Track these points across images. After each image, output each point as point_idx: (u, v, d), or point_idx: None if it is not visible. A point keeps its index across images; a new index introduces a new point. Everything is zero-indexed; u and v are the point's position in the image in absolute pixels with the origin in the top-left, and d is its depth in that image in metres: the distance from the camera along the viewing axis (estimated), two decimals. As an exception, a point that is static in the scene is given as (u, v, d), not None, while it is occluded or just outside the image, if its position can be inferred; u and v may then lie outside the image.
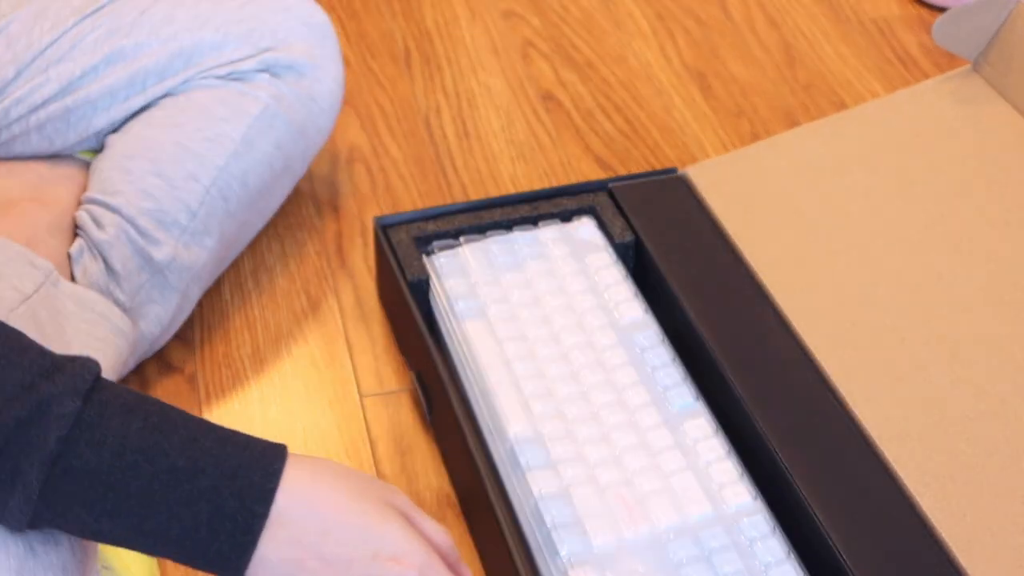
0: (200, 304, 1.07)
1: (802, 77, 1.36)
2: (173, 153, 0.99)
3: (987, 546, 0.79)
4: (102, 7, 1.02)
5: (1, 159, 1.04)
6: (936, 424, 0.86)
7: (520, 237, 1.03)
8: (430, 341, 0.95)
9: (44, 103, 1.00)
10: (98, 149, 1.04)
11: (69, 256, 0.95)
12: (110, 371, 0.91)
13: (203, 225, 0.99)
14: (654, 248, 1.02)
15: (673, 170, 1.10)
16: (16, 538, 0.68)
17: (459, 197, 1.21)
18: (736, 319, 0.96)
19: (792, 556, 0.82)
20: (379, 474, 0.97)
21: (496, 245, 1.02)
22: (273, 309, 1.09)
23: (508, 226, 1.04)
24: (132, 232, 0.96)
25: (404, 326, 1.02)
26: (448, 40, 1.40)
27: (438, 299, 0.99)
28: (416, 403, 1.01)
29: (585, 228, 1.04)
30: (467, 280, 0.99)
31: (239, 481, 0.68)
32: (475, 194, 1.21)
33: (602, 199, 1.06)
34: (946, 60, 1.37)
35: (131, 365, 0.99)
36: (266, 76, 1.04)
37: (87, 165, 1.04)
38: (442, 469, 0.97)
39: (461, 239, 1.03)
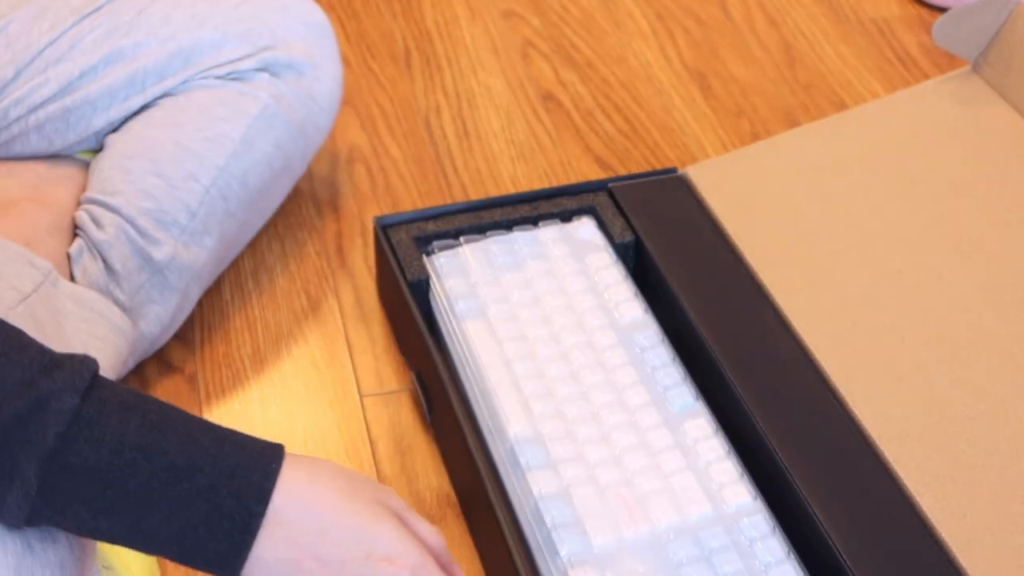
0: (200, 304, 1.07)
1: (802, 77, 1.36)
2: (173, 153, 0.99)
3: (987, 546, 0.79)
4: (101, 7, 1.02)
5: (0, 159, 1.04)
6: (936, 424, 0.86)
7: (520, 237, 1.03)
8: (430, 341, 0.95)
9: (43, 103, 1.00)
10: (98, 149, 1.04)
11: (68, 256, 0.95)
12: (110, 371, 0.91)
13: (203, 225, 0.99)
14: (654, 248, 1.02)
15: (673, 170, 1.10)
16: (14, 536, 0.68)
17: (459, 197, 1.21)
18: (736, 319, 0.96)
19: (792, 556, 0.82)
20: (379, 474, 0.97)
21: (496, 245, 1.02)
22: (273, 309, 1.09)
23: (508, 226, 1.04)
24: (132, 232, 0.96)
25: (404, 326, 1.02)
26: (448, 40, 1.40)
27: (438, 299, 0.99)
28: (416, 403, 1.01)
29: (585, 228, 1.04)
30: (467, 280, 0.99)
31: (237, 480, 0.68)
32: (475, 194, 1.21)
33: (602, 199, 1.06)
34: (946, 60, 1.37)
35: (131, 365, 0.99)
36: (265, 75, 1.04)
37: (86, 165, 1.04)
38: (442, 469, 0.97)
39: (461, 239, 1.03)
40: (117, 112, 1.02)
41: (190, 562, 0.69)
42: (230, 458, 0.69)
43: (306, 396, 1.03)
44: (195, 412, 1.00)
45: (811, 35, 1.42)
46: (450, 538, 0.93)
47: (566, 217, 1.06)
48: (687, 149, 1.27)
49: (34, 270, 0.89)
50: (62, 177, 1.03)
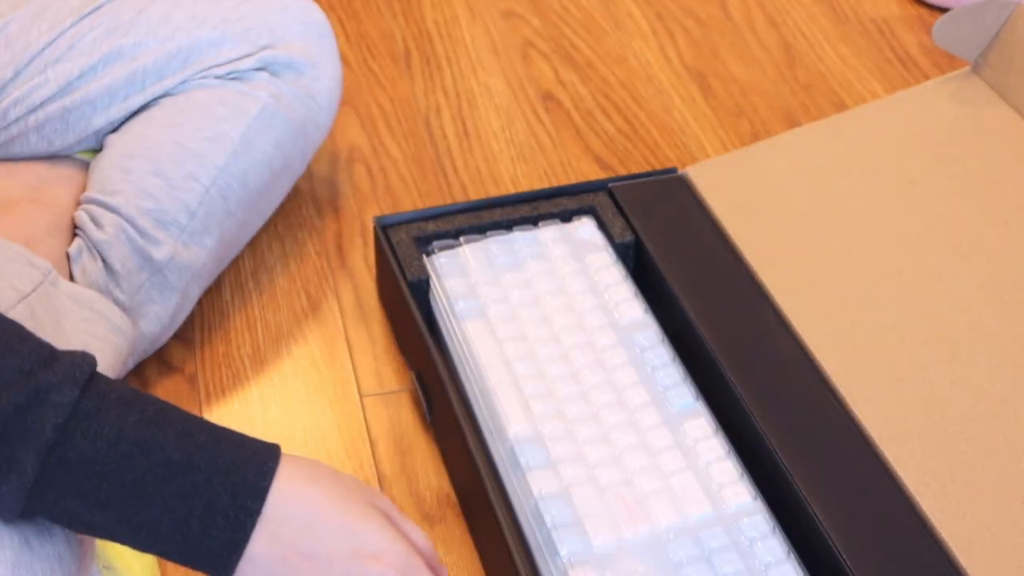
0: (200, 304, 1.07)
1: (802, 77, 1.36)
2: (172, 153, 0.99)
3: (987, 546, 0.79)
4: (100, 7, 1.02)
5: (0, 160, 1.04)
6: (936, 424, 0.86)
7: (520, 237, 1.03)
8: (430, 341, 0.94)
9: (43, 103, 1.00)
10: (97, 149, 1.04)
11: (68, 256, 0.95)
12: (109, 370, 0.91)
13: (202, 224, 0.99)
14: (654, 248, 1.02)
15: (673, 170, 1.10)
16: (11, 531, 0.68)
17: (459, 197, 1.21)
18: (736, 319, 0.96)
19: (792, 556, 0.81)
20: (379, 474, 0.97)
21: (496, 245, 1.02)
22: (273, 309, 1.09)
23: (508, 226, 1.04)
24: (131, 231, 0.96)
25: (404, 326, 1.02)
26: (448, 40, 1.40)
27: (438, 299, 0.99)
28: (416, 403, 1.01)
29: (585, 228, 1.04)
30: (467, 280, 0.99)
31: (233, 477, 0.69)
32: (475, 194, 1.21)
33: (602, 199, 1.06)
34: (946, 61, 1.37)
35: (131, 364, 0.99)
36: (265, 75, 1.04)
37: (86, 165, 1.04)
38: (442, 469, 0.97)
39: (461, 239, 1.03)
40: (117, 112, 1.02)
41: (184, 559, 0.69)
42: (227, 455, 0.69)
43: (306, 396, 1.03)
44: (195, 412, 1.00)
45: (811, 35, 1.42)
46: (450, 538, 0.93)
47: (566, 217, 1.06)
48: (687, 149, 1.27)
49: (33, 270, 0.89)
50: (62, 177, 1.03)
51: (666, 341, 0.95)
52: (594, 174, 1.24)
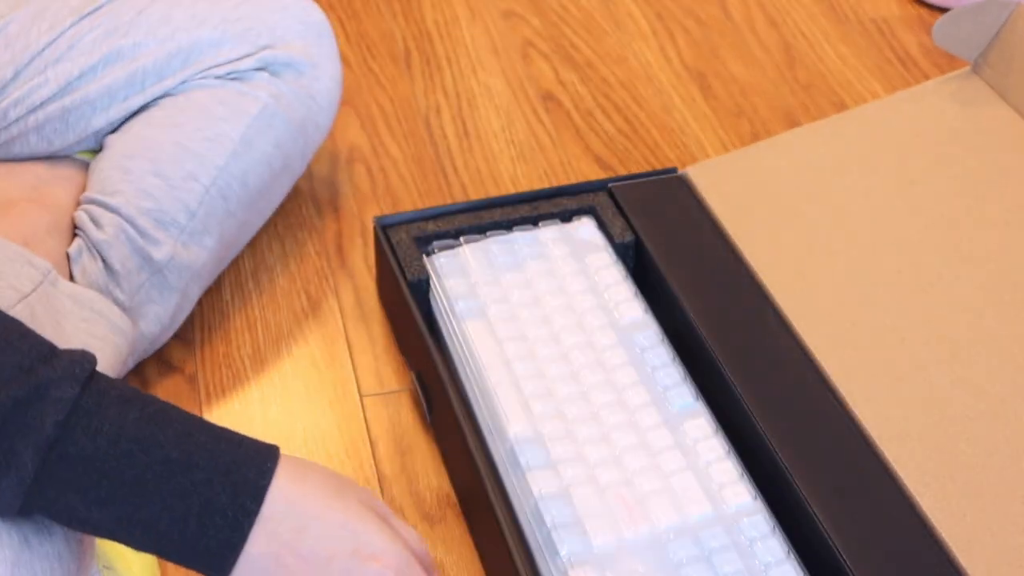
0: (200, 304, 1.07)
1: (802, 77, 1.36)
2: (172, 153, 0.99)
3: (987, 546, 0.79)
4: (100, 7, 1.02)
5: (0, 160, 1.04)
6: (936, 424, 0.86)
7: (520, 237, 1.03)
8: (430, 341, 0.94)
9: (43, 104, 1.00)
10: (97, 149, 1.04)
11: (68, 256, 0.95)
12: (109, 369, 0.91)
13: (202, 225, 0.99)
14: (654, 248, 1.02)
15: (673, 170, 1.10)
16: (10, 530, 0.68)
17: (459, 197, 1.21)
18: (736, 319, 0.96)
19: (792, 556, 0.81)
20: (379, 474, 0.97)
21: (496, 245, 1.02)
22: (273, 309, 1.09)
23: (508, 226, 1.04)
24: (131, 232, 0.96)
25: (404, 326, 1.02)
26: (448, 40, 1.40)
27: (438, 299, 0.99)
28: (416, 403, 1.01)
29: (585, 228, 1.04)
30: (467, 280, 0.99)
31: (233, 476, 0.69)
32: (475, 194, 1.21)
33: (602, 199, 1.06)
34: (946, 61, 1.37)
35: (131, 364, 0.99)
36: (265, 75, 1.04)
37: (86, 166, 1.04)
38: (442, 469, 0.97)
39: (461, 239, 1.03)
40: (116, 112, 1.02)
41: (182, 558, 0.69)
42: (227, 455, 0.69)
43: (306, 396, 1.03)
44: (195, 412, 1.00)
45: (811, 35, 1.42)
46: (450, 538, 0.93)
47: (566, 217, 1.06)
48: (687, 149, 1.27)
49: (33, 270, 0.89)
50: (61, 178, 1.03)
51: (666, 341, 0.95)
52: (594, 174, 1.24)
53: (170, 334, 1.02)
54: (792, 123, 1.29)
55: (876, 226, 1.01)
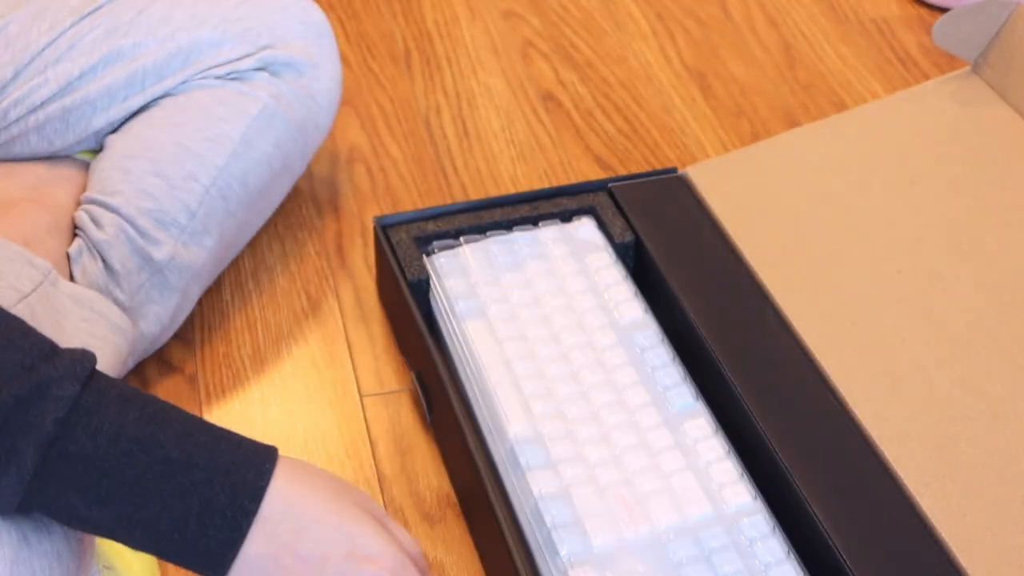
0: (200, 304, 1.07)
1: (802, 77, 1.36)
2: (173, 153, 0.99)
3: (987, 546, 0.79)
4: (100, 7, 1.02)
5: (0, 160, 1.04)
6: (936, 424, 0.86)
7: (520, 237, 1.03)
8: (430, 341, 0.94)
9: (43, 104, 1.00)
10: (97, 149, 1.04)
11: (68, 256, 0.95)
12: (109, 369, 0.91)
13: (202, 225, 0.99)
14: (654, 248, 1.02)
15: (673, 170, 1.10)
16: (10, 528, 0.68)
17: (459, 197, 1.21)
18: (736, 319, 0.96)
19: (792, 556, 0.81)
20: (379, 474, 0.97)
21: (496, 245, 1.02)
22: (273, 309, 1.09)
23: (508, 226, 1.04)
24: (131, 232, 0.96)
25: (404, 326, 1.02)
26: (448, 40, 1.40)
27: (438, 299, 0.99)
28: (416, 403, 1.01)
29: (585, 228, 1.04)
30: (467, 280, 0.99)
31: (232, 477, 0.69)
32: (475, 194, 1.21)
33: (602, 199, 1.06)
34: (946, 61, 1.37)
35: (131, 364, 0.99)
36: (265, 75, 1.04)
37: (86, 166, 1.04)
38: (442, 469, 0.97)
39: (461, 239, 1.03)
40: (117, 112, 1.02)
41: (180, 558, 0.70)
42: (226, 455, 0.69)
43: (306, 396, 1.03)
44: (195, 412, 1.00)
45: (811, 35, 1.42)
46: (450, 538, 0.93)
47: (566, 217, 1.06)
48: (687, 149, 1.27)
49: (33, 270, 0.89)
50: (61, 178, 1.03)
51: (666, 341, 0.95)
52: (594, 174, 1.24)
53: (170, 334, 1.02)
54: (792, 123, 1.29)
55: (876, 226, 1.01)
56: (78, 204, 1.00)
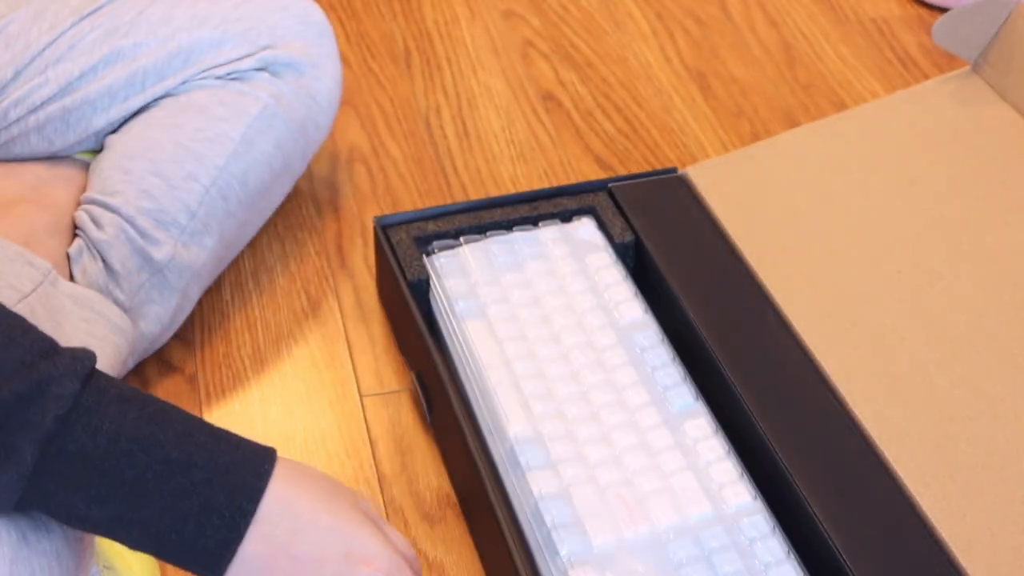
0: (200, 304, 1.07)
1: (802, 77, 1.36)
2: (173, 153, 0.99)
3: (987, 546, 0.79)
4: (100, 8, 1.02)
5: (0, 160, 1.04)
6: (936, 424, 0.86)
7: (520, 237, 1.03)
8: (430, 341, 0.94)
9: (43, 104, 1.00)
10: (98, 149, 1.04)
11: (68, 256, 0.95)
12: (109, 370, 0.91)
13: (203, 225, 0.99)
14: (654, 248, 1.02)
15: (673, 170, 1.10)
16: (8, 527, 0.68)
17: (459, 197, 1.21)
18: (736, 319, 0.96)
19: (792, 556, 0.81)
20: (379, 474, 0.97)
21: (496, 245, 1.02)
22: (273, 309, 1.09)
23: (508, 226, 1.04)
24: (131, 232, 0.96)
25: (404, 326, 1.02)
26: (448, 40, 1.40)
27: (438, 299, 0.99)
28: (416, 403, 1.01)
29: (585, 228, 1.04)
30: (467, 280, 0.99)
31: (231, 477, 0.69)
32: (475, 194, 1.21)
33: (602, 199, 1.06)
34: (946, 61, 1.37)
35: (131, 364, 0.99)
36: (265, 75, 1.04)
37: (86, 166, 1.04)
38: (442, 469, 0.97)
39: (461, 239, 1.03)
40: (117, 112, 1.02)
41: (177, 558, 0.70)
42: (225, 456, 0.70)
43: (306, 396, 1.03)
44: (195, 412, 1.00)
45: (811, 35, 1.42)
46: (450, 538, 0.93)
47: (566, 217, 1.06)
48: (687, 149, 1.27)
49: (33, 270, 0.89)
50: (61, 178, 1.03)
51: (666, 341, 0.95)
52: (594, 174, 1.24)
53: (170, 334, 1.02)
54: (792, 123, 1.29)
55: (876, 226, 1.01)
56: (78, 204, 1.00)
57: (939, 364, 0.90)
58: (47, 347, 0.68)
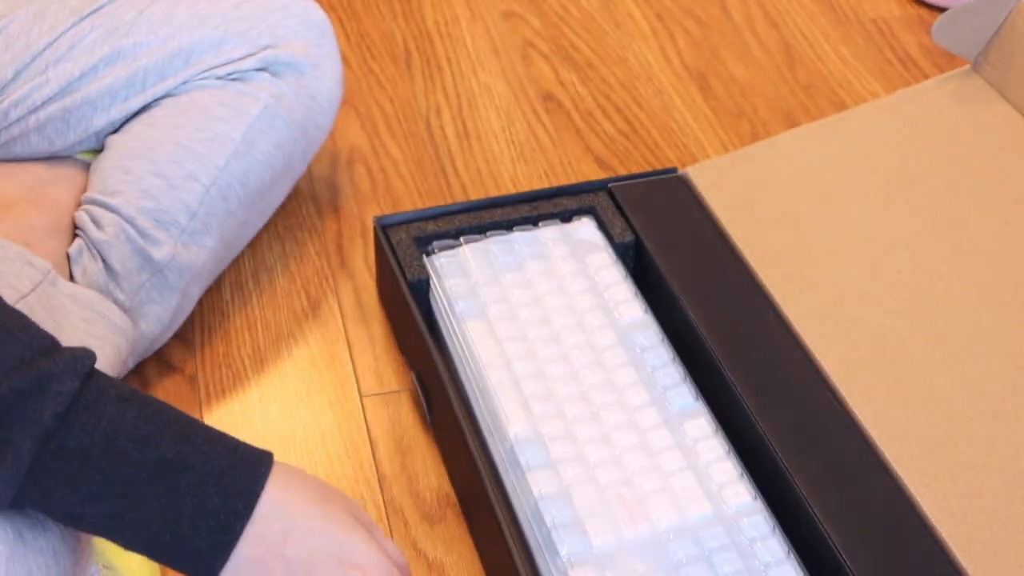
0: (200, 304, 1.07)
1: (802, 77, 1.36)
2: (173, 153, 0.99)
3: (987, 546, 0.79)
4: (100, 7, 1.02)
5: (1, 160, 1.04)
6: (936, 424, 0.86)
7: (520, 237, 1.03)
8: (430, 341, 0.94)
9: (43, 104, 1.00)
10: (98, 149, 1.04)
11: (68, 256, 0.95)
12: (109, 369, 0.91)
13: (203, 225, 0.99)
14: (654, 248, 1.02)
15: (673, 170, 1.10)
16: (5, 525, 0.69)
17: (459, 197, 1.21)
18: (736, 319, 0.96)
19: (792, 556, 0.81)
20: (379, 474, 0.97)
21: (496, 245, 1.02)
22: (273, 309, 1.09)
23: (508, 226, 1.04)
24: (131, 232, 0.96)
25: (404, 326, 1.02)
26: (448, 40, 1.40)
27: (438, 299, 0.99)
28: (416, 403, 1.01)
29: (585, 228, 1.04)
30: (467, 280, 0.99)
31: (226, 479, 0.69)
32: (475, 194, 1.21)
33: (602, 199, 1.06)
34: (946, 60, 1.37)
35: (131, 364, 0.99)
36: (266, 75, 1.04)
37: (87, 166, 1.04)
38: (442, 469, 0.97)
39: (461, 239, 1.03)
40: (117, 112, 1.02)
41: (171, 559, 0.70)
42: (221, 458, 0.70)
43: (306, 396, 1.03)
44: (195, 412, 1.00)
45: (811, 35, 1.42)
46: (450, 538, 0.93)
47: (566, 217, 1.06)
48: (687, 149, 1.27)
49: (32, 269, 0.89)
50: (61, 178, 1.03)
51: (666, 341, 0.95)
52: (594, 174, 1.24)
53: (170, 334, 1.02)
54: (792, 123, 1.29)
55: (876, 226, 1.01)
56: (78, 204, 1.00)
57: (939, 364, 0.90)
58: (47, 344, 0.68)
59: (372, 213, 1.18)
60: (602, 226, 1.04)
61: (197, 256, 0.99)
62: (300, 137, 1.07)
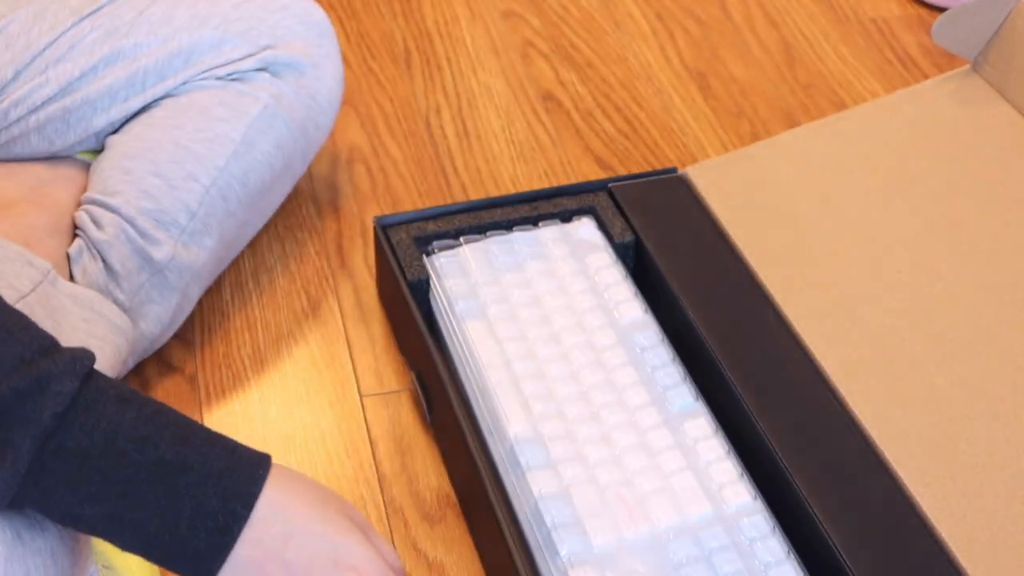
0: (200, 304, 1.07)
1: (802, 77, 1.36)
2: (173, 153, 0.99)
3: (987, 546, 0.79)
4: (101, 8, 1.02)
5: (1, 160, 1.04)
6: (936, 424, 0.86)
7: (520, 237, 1.03)
8: (430, 341, 0.94)
9: (43, 104, 1.00)
10: (98, 150, 1.04)
11: (68, 256, 0.95)
12: (109, 370, 0.91)
13: (203, 225, 0.99)
14: (654, 248, 1.02)
15: (673, 170, 1.10)
16: (3, 525, 0.69)
17: (459, 197, 1.21)
18: (736, 319, 0.96)
19: (792, 556, 0.81)
20: (379, 474, 0.97)
21: (496, 245, 1.02)
22: (273, 309, 1.09)
23: (508, 226, 1.04)
24: (131, 232, 0.96)
25: (404, 326, 1.02)
26: (448, 40, 1.40)
27: (438, 299, 0.99)
28: (416, 403, 1.01)
29: (585, 228, 1.04)
30: (467, 280, 0.99)
31: (225, 481, 0.69)
32: (475, 194, 1.21)
33: (602, 199, 1.06)
34: (946, 60, 1.37)
35: (131, 364, 0.99)
36: (266, 75, 1.04)
37: (87, 166, 1.04)
38: (442, 469, 0.97)
39: (461, 239, 1.03)
40: (117, 112, 1.02)
41: (168, 560, 0.70)
42: (220, 460, 0.70)
43: (306, 396, 1.03)
44: (195, 412, 1.00)
45: (811, 35, 1.42)
46: (450, 538, 0.93)
47: (566, 217, 1.06)
48: (687, 149, 1.27)
49: (32, 269, 0.89)
50: (61, 178, 1.03)
51: (666, 341, 0.95)
52: (594, 174, 1.24)
53: (170, 334, 1.02)
54: (792, 123, 1.29)
55: (876, 226, 1.01)
56: (78, 204, 1.00)
57: (939, 364, 0.90)
58: (47, 344, 0.68)
59: (372, 213, 1.18)
60: (602, 226, 1.04)
61: (197, 256, 0.99)
62: (300, 137, 1.07)
